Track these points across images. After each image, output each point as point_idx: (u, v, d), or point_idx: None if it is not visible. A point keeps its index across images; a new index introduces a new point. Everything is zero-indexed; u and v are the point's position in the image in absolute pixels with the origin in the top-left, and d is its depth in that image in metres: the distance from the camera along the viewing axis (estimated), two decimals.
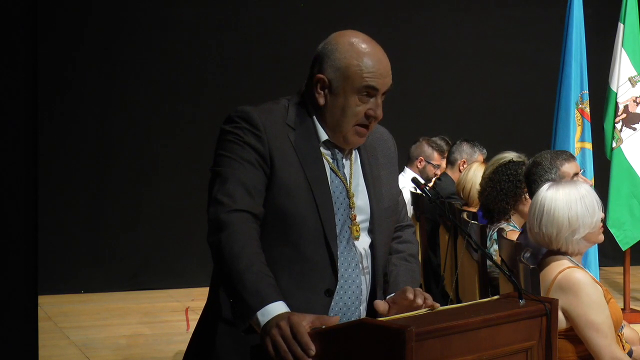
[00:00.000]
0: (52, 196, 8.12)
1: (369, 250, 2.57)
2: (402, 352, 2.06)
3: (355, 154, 2.60)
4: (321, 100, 2.51)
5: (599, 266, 6.90)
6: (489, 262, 4.51)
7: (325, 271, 2.47)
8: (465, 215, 5.22)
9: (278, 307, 2.25)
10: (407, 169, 7.28)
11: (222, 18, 8.85)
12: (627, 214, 7.13)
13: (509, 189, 4.80)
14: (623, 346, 3.58)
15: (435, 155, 7.27)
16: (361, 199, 2.56)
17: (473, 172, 5.70)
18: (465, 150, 6.69)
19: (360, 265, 2.54)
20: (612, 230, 6.97)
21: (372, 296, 2.59)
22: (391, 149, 2.72)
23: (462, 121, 9.35)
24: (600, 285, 3.52)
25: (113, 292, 8.32)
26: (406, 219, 2.77)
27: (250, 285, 2.27)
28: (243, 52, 8.84)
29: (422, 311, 2.36)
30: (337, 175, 2.54)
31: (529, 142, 7.34)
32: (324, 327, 2.22)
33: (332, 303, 2.49)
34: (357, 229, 2.54)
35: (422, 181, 2.68)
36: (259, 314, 2.24)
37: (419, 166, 7.27)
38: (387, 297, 2.56)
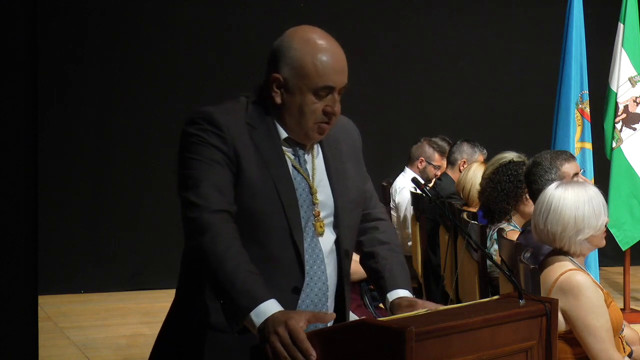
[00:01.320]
0: (52, 196, 8.12)
1: (334, 246, 2.55)
2: (402, 352, 2.06)
3: (317, 149, 2.58)
4: (278, 100, 2.49)
5: (599, 266, 6.91)
6: (489, 262, 4.51)
7: (292, 269, 2.46)
8: (465, 215, 5.22)
9: (271, 306, 2.25)
10: (407, 169, 7.27)
11: (222, 18, 8.85)
12: (627, 214, 7.13)
13: (510, 189, 4.80)
14: (624, 348, 3.58)
15: (436, 156, 7.27)
16: (324, 194, 2.54)
17: (473, 172, 5.70)
18: (465, 151, 6.69)
19: (326, 262, 2.52)
20: (612, 230, 6.96)
21: (340, 291, 2.58)
22: (355, 138, 2.71)
23: (463, 121, 9.34)
24: (601, 289, 3.52)
25: (113, 292, 8.32)
26: (378, 206, 2.74)
27: (240, 285, 2.26)
28: (243, 52, 8.83)
29: (422, 311, 2.36)
30: (299, 172, 2.52)
31: (529, 142, 7.34)
32: (323, 327, 2.22)
33: (299, 301, 2.48)
34: (321, 225, 2.52)
35: (422, 181, 2.67)
36: (253, 314, 2.24)
37: (419, 167, 7.26)
38: (393, 298, 2.55)
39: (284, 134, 2.51)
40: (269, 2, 8.99)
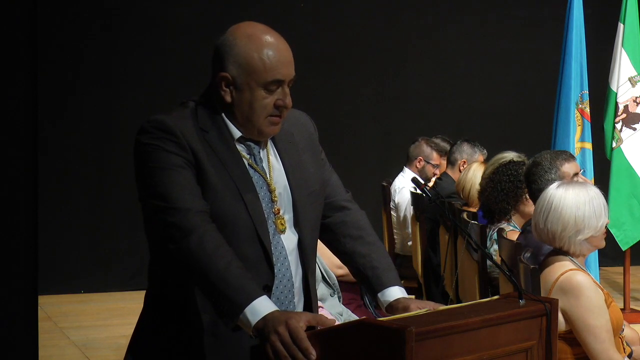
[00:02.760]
0: (53, 196, 8.12)
1: (297, 242, 2.54)
2: (402, 352, 2.06)
3: (270, 146, 2.57)
4: (228, 98, 2.48)
5: (599, 266, 6.91)
6: (489, 262, 4.51)
7: (261, 267, 2.44)
8: (465, 215, 5.22)
9: (265, 304, 2.25)
10: (406, 169, 7.27)
11: (222, 19, 8.85)
12: (627, 214, 7.13)
13: (510, 189, 4.80)
14: (624, 348, 3.58)
15: (434, 155, 7.27)
16: (283, 190, 2.53)
17: (472, 172, 5.70)
18: (465, 151, 6.69)
19: (290, 259, 2.51)
20: (612, 231, 6.95)
21: (306, 288, 2.57)
22: (310, 130, 2.67)
23: (462, 121, 9.34)
24: (602, 289, 3.53)
25: (113, 292, 8.31)
26: (341, 192, 2.69)
27: (233, 281, 2.26)
28: None
29: (422, 311, 2.36)
30: (256, 170, 2.51)
31: (529, 142, 7.34)
32: (322, 327, 2.22)
33: None
34: (282, 222, 2.51)
35: (422, 181, 2.67)
36: (247, 312, 2.23)
37: (417, 166, 7.26)
38: (387, 300, 2.55)
39: (237, 134, 2.49)
40: (269, 2, 8.99)
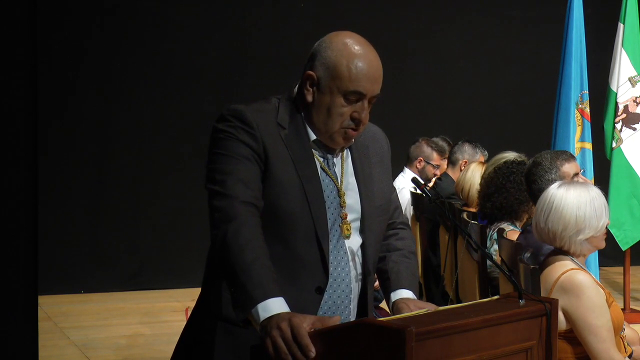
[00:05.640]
0: (53, 196, 8.12)
1: (360, 249, 2.57)
2: (402, 352, 2.06)
3: (346, 153, 2.60)
4: (309, 97, 2.51)
5: (599, 266, 6.91)
6: (489, 262, 4.51)
7: (316, 269, 2.47)
8: (465, 215, 5.22)
9: (279, 304, 2.26)
10: (406, 169, 7.27)
11: (222, 18, 8.85)
12: (627, 214, 7.13)
13: (517, 189, 4.80)
14: (625, 349, 3.58)
15: (435, 155, 7.27)
16: (352, 198, 2.56)
17: (472, 172, 5.70)
18: (466, 151, 6.69)
19: (351, 264, 2.54)
20: (612, 230, 6.95)
21: (363, 295, 2.59)
22: (384, 147, 2.71)
23: (462, 121, 9.35)
24: (603, 289, 3.53)
25: (113, 292, 8.32)
26: (401, 217, 2.77)
27: (256, 277, 2.28)
28: (243, 52, 8.83)
29: (422, 311, 2.37)
30: (327, 174, 2.54)
31: (529, 142, 7.34)
32: (322, 327, 2.22)
33: (322, 301, 2.50)
34: (348, 228, 2.54)
35: (422, 181, 2.68)
36: (260, 307, 2.25)
37: (418, 166, 7.26)
38: (395, 299, 2.56)
39: (312, 136, 2.53)
40: (269, 2, 8.99)
